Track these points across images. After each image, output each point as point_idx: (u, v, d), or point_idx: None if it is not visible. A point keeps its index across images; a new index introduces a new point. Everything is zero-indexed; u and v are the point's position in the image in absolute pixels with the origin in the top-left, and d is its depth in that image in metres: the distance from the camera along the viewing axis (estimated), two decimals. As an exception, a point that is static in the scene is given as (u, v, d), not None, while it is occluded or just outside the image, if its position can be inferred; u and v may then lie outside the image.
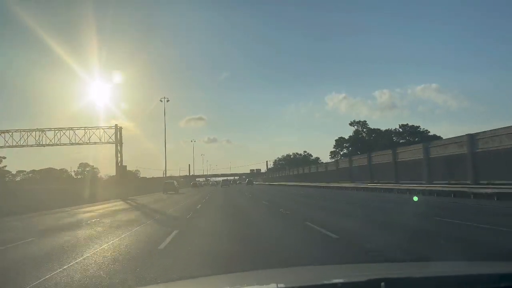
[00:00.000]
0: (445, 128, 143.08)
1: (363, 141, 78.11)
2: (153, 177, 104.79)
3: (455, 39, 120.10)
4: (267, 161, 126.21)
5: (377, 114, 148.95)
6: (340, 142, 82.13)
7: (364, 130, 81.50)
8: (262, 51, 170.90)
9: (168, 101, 66.94)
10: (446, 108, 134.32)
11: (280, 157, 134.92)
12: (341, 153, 80.00)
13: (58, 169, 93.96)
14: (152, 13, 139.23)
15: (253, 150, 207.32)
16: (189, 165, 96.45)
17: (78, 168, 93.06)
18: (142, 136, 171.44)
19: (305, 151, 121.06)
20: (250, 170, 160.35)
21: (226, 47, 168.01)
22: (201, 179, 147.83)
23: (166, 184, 51.49)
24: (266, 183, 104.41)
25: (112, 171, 48.23)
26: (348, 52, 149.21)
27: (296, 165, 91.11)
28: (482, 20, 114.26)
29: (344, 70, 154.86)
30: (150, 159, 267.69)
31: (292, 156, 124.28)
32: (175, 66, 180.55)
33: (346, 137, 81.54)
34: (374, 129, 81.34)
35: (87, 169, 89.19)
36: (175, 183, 54.08)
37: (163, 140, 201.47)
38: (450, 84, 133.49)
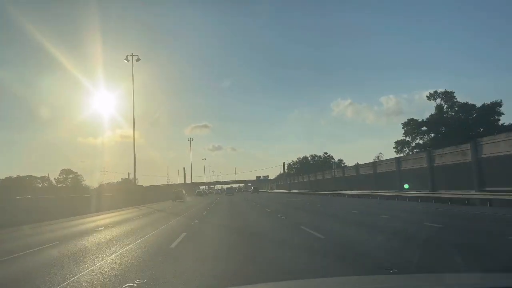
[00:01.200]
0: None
1: (454, 122, 50.05)
2: (151, 185, 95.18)
3: (462, 43, 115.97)
4: (283, 162, 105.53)
5: (383, 120, 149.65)
6: (412, 126, 52.65)
7: (454, 106, 51.86)
8: (266, 57, 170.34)
9: (138, 60, 45.91)
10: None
11: (295, 160, 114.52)
12: (414, 143, 53.44)
13: (39, 176, 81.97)
14: (156, 21, 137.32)
15: (258, 157, 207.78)
16: (184, 168, 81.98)
17: (60, 175, 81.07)
18: (145, 144, 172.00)
19: (325, 153, 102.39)
20: (257, 177, 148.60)
21: (230, 54, 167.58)
22: (204, 187, 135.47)
23: (175, 192, 52.16)
24: (277, 191, 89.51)
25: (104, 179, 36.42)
26: (354, 58, 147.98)
27: (315, 169, 77.83)
28: (490, 24, 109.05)
29: (349, 76, 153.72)
30: (153, 166, 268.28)
31: (309, 159, 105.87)
32: (179, 74, 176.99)
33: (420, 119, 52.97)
34: (469, 104, 50.61)
35: (70, 176, 77.20)
36: (184, 191, 54.50)
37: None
38: (457, 89, 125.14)
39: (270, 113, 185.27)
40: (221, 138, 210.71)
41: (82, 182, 77.66)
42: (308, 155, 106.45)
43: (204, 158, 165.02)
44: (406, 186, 28.50)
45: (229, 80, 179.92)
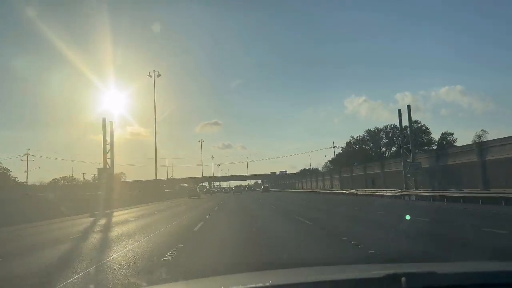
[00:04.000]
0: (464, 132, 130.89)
1: None
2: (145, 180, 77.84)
3: (481, 38, 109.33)
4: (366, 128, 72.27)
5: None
6: None
7: None
8: (279, 54, 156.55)
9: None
10: (471, 111, 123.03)
11: (354, 137, 72.64)
12: None
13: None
14: (166, 21, 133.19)
15: (268, 156, 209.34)
16: (105, 119, 59.82)
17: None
18: (154, 141, 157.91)
19: (416, 121, 59.14)
20: (271, 172, 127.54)
21: (242, 51, 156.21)
22: (204, 183, 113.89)
23: (190, 190, 59.46)
24: (332, 191, 54.08)
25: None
26: (368, 54, 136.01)
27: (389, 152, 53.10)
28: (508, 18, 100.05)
29: (363, 73, 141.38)
30: (162, 163, 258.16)
31: (383, 131, 64.61)
32: (191, 71, 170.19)
33: None
34: None
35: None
36: (198, 189, 62.00)
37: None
38: (475, 86, 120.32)
39: (281, 110, 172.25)
40: (231, 136, 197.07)
41: (10, 174, 59.08)
42: (382, 126, 66.69)
43: (202, 140, 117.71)
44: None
45: (241, 78, 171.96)
